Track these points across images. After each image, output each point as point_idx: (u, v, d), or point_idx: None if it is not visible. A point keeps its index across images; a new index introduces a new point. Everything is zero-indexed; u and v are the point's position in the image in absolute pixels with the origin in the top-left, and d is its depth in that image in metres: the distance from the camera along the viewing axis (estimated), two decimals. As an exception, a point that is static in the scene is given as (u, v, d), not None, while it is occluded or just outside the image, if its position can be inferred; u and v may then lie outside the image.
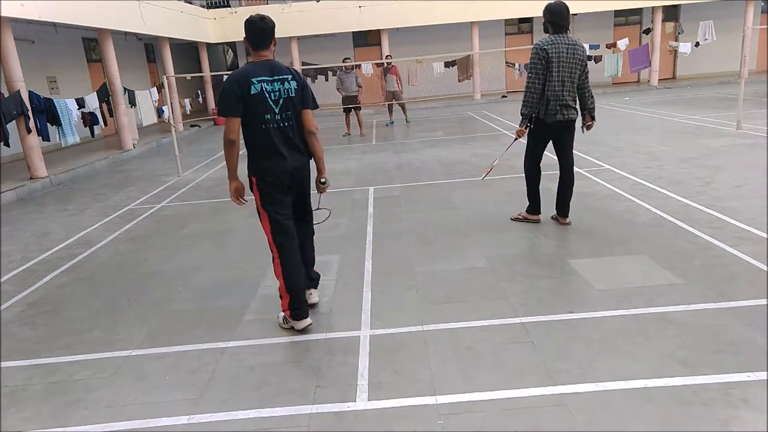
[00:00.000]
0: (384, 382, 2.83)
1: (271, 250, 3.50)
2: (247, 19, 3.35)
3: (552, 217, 5.30)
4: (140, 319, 3.86)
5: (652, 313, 3.33)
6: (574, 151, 5.20)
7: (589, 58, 18.35)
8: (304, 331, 3.44)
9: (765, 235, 4.43)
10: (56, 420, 2.76)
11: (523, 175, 5.30)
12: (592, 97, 5.02)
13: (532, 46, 4.76)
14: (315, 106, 3.50)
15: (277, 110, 3.30)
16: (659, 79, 20.24)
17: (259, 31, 3.32)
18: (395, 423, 2.52)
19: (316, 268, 3.92)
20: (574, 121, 4.94)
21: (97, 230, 6.35)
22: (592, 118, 5.06)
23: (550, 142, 5.10)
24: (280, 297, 3.50)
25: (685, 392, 2.56)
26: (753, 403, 2.45)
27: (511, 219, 5.40)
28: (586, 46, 18.40)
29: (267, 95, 3.26)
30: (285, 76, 3.33)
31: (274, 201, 3.42)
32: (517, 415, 2.50)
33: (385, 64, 13.98)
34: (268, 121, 3.30)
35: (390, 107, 14.69)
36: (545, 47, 4.65)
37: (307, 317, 3.46)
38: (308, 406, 2.68)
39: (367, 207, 6.38)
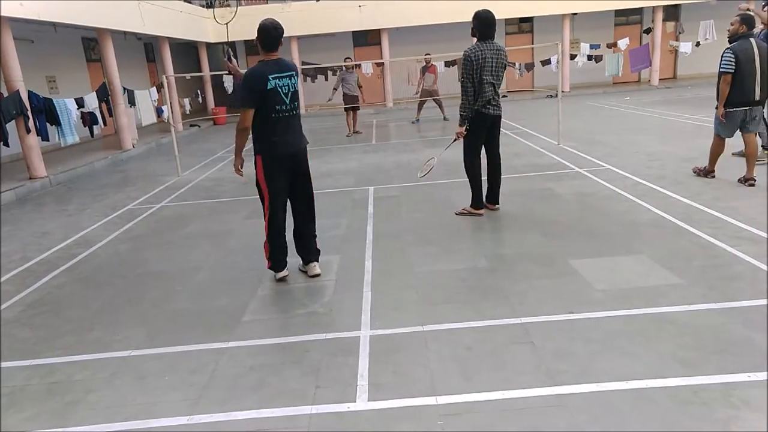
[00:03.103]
0: (384, 383, 2.83)
1: (264, 214, 4.19)
2: (263, 25, 3.89)
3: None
4: (139, 320, 3.85)
5: (652, 314, 3.33)
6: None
7: (590, 57, 18.40)
8: (281, 281, 4.26)
9: (765, 235, 4.42)
10: (56, 420, 2.75)
11: (471, 171, 5.57)
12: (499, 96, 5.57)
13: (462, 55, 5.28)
14: None
15: (288, 101, 3.94)
16: (660, 79, 20.23)
17: (274, 39, 3.90)
18: (395, 423, 2.51)
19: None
20: (501, 116, 5.53)
21: (96, 230, 6.34)
22: None
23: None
24: (264, 246, 4.27)
25: (685, 393, 2.56)
26: (753, 404, 2.44)
27: (456, 214, 5.70)
28: (587, 45, 18.47)
29: (280, 89, 3.88)
30: (291, 72, 3.95)
31: (273, 176, 4.06)
32: (517, 416, 2.49)
33: (425, 63, 14.06)
34: (279, 111, 3.92)
35: (420, 104, 14.73)
36: (470, 55, 5.21)
37: (283, 271, 4.29)
38: (308, 407, 2.68)
39: (367, 207, 6.37)
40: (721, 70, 5.79)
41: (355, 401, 2.69)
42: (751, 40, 5.78)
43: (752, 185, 5.88)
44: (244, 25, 13.68)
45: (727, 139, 6.21)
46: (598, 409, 2.49)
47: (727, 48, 5.81)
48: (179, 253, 5.29)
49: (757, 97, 5.80)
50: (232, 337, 3.47)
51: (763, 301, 3.36)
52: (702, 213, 5.14)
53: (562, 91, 15.94)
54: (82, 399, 2.91)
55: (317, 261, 4.41)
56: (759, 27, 6.70)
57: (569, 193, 6.21)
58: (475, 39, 5.31)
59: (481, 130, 5.46)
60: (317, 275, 4.33)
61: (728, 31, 5.99)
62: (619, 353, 2.92)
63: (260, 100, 3.84)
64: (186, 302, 4.10)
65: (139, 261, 5.14)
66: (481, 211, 5.62)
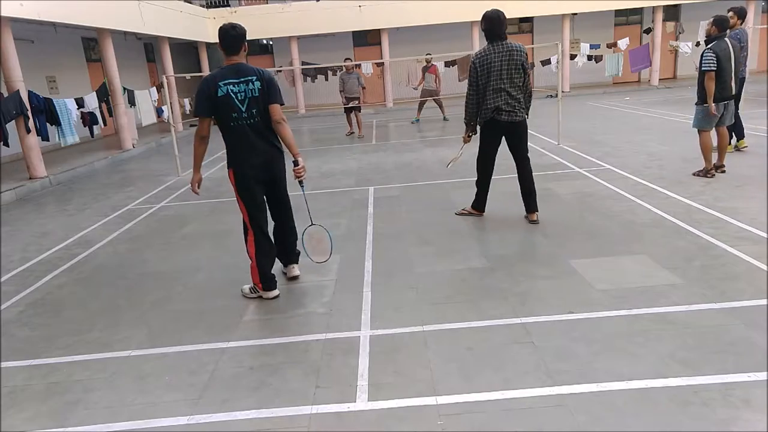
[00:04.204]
0: (384, 383, 2.82)
1: (246, 231, 3.96)
2: (220, 27, 3.76)
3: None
4: (139, 320, 3.85)
5: (652, 314, 3.33)
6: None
7: (590, 57, 18.40)
8: (272, 300, 3.96)
9: (765, 235, 4.42)
10: (55, 420, 2.75)
11: (478, 175, 5.51)
12: (530, 97, 5.24)
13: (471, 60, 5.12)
14: (281, 101, 3.81)
15: (243, 109, 3.69)
16: (660, 79, 20.24)
17: (231, 38, 3.70)
18: (395, 423, 2.51)
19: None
20: (522, 121, 5.15)
21: (96, 230, 6.35)
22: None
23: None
24: (251, 271, 3.98)
25: (685, 392, 2.56)
26: (754, 404, 2.44)
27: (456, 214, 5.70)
28: (587, 45, 18.44)
29: (233, 96, 3.66)
30: (250, 78, 3.69)
31: (249, 190, 3.85)
32: (517, 416, 2.49)
33: (425, 63, 14.07)
34: (235, 119, 3.70)
35: (421, 104, 14.74)
36: (474, 62, 5.03)
37: (275, 289, 4.00)
38: (308, 407, 2.68)
39: (367, 207, 6.37)
40: (704, 68, 6.19)
41: (355, 401, 2.69)
42: (726, 39, 6.24)
43: (723, 172, 6.50)
44: (244, 26, 13.62)
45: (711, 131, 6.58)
46: (599, 409, 2.49)
47: (707, 48, 6.25)
48: (179, 253, 5.29)
49: (733, 92, 6.37)
50: (232, 337, 3.47)
51: (763, 301, 3.36)
52: (702, 213, 5.14)
53: (562, 91, 15.89)
54: (82, 399, 2.91)
55: (296, 263, 4.35)
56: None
57: (569, 194, 6.21)
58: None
59: (491, 138, 5.25)
60: (296, 277, 4.29)
61: (705, 32, 6.59)
62: (619, 353, 2.92)
63: (212, 107, 3.67)
64: (186, 302, 4.10)
65: (139, 261, 5.14)
66: (481, 214, 5.58)
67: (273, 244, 4.12)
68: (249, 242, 3.96)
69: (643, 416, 2.42)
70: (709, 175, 6.39)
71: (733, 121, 6.65)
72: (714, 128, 6.64)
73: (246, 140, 3.75)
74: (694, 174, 6.56)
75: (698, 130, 6.45)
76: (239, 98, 3.67)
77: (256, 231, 3.92)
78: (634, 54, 18.17)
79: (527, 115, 5.18)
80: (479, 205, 5.58)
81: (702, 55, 6.23)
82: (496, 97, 4.98)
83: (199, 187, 4.01)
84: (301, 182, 3.91)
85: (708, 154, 6.43)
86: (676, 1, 19.41)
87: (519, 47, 4.96)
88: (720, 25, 6.26)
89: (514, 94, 4.99)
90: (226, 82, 3.65)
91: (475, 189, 5.58)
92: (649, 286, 3.71)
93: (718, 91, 6.20)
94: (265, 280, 3.97)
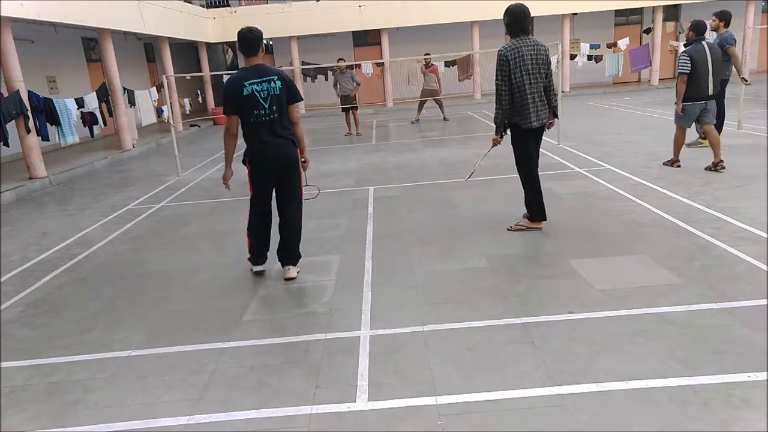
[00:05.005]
0: (384, 383, 2.83)
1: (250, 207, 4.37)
2: (238, 31, 4.07)
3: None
4: (140, 320, 3.85)
5: (652, 314, 3.33)
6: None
7: (590, 57, 18.40)
8: (257, 275, 4.39)
9: (765, 235, 4.42)
10: (55, 420, 2.75)
11: (527, 180, 5.05)
12: (556, 95, 5.00)
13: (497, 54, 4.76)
14: (300, 99, 4.21)
15: (266, 106, 3.99)
16: (660, 79, 20.23)
17: (248, 41, 4.01)
18: (395, 423, 2.51)
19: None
20: (545, 124, 4.92)
21: (96, 230, 6.34)
22: (555, 116, 5.02)
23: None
24: (247, 241, 4.42)
25: (685, 392, 2.56)
26: (754, 404, 2.44)
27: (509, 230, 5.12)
28: (587, 45, 18.44)
29: (257, 94, 3.96)
30: (271, 77, 4.00)
31: (258, 178, 4.21)
32: (517, 416, 2.49)
33: (425, 63, 14.07)
34: (258, 116, 4.00)
35: (421, 104, 14.74)
36: (506, 54, 4.65)
37: (261, 266, 4.42)
38: (308, 407, 2.68)
39: (367, 207, 6.37)
40: (679, 71, 6.59)
41: (355, 401, 2.69)
42: (703, 43, 6.55)
43: (723, 168, 6.58)
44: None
45: (687, 129, 7.05)
46: (599, 409, 2.49)
47: (683, 51, 6.61)
48: (179, 253, 5.29)
49: (711, 92, 6.63)
50: (232, 337, 3.47)
51: (763, 301, 3.36)
52: (702, 213, 5.14)
53: (562, 91, 15.90)
54: (82, 399, 2.91)
55: (294, 264, 4.37)
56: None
57: (569, 194, 6.21)
58: (509, 37, 4.79)
59: (528, 138, 4.89)
60: (292, 279, 4.29)
61: (685, 36, 7.04)
62: (619, 353, 2.92)
63: (238, 106, 3.96)
64: (186, 302, 4.10)
65: (139, 261, 5.14)
66: (540, 225, 5.04)
67: (268, 221, 4.38)
68: (249, 212, 4.35)
69: (643, 416, 2.42)
70: (675, 165, 7.02)
71: (715, 121, 6.95)
72: (701, 127, 7.05)
73: (263, 134, 4.03)
74: (663, 163, 7.20)
75: (676, 125, 7.05)
76: (262, 96, 3.96)
77: (253, 207, 4.33)
78: (634, 54, 18.18)
79: (558, 115, 5.04)
80: (537, 215, 5.03)
81: (679, 58, 6.61)
82: (533, 94, 4.71)
83: (228, 182, 4.32)
84: (304, 168, 4.41)
85: (677, 147, 7.06)
86: (676, 1, 19.42)
87: (543, 44, 4.77)
88: (696, 29, 6.60)
89: (541, 91, 4.80)
90: (251, 81, 3.95)
91: (526, 200, 5.11)
92: (649, 286, 3.71)
93: (694, 92, 6.56)
94: (252, 253, 4.39)
